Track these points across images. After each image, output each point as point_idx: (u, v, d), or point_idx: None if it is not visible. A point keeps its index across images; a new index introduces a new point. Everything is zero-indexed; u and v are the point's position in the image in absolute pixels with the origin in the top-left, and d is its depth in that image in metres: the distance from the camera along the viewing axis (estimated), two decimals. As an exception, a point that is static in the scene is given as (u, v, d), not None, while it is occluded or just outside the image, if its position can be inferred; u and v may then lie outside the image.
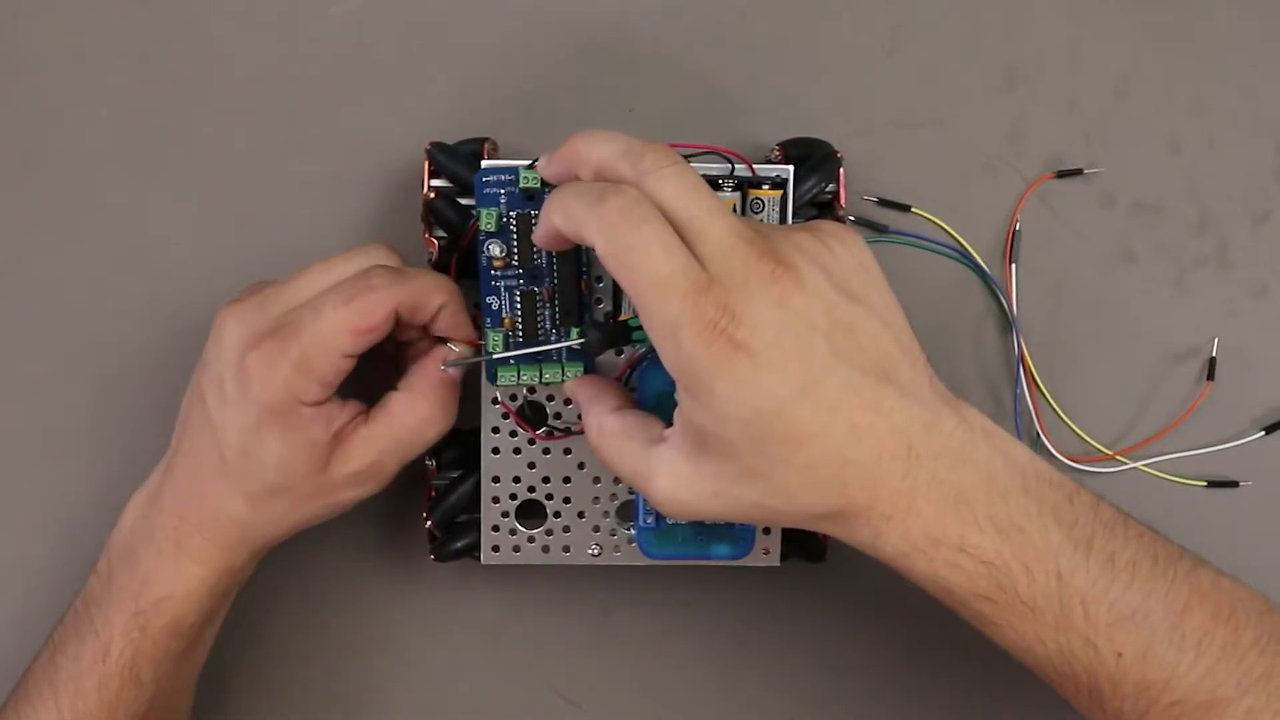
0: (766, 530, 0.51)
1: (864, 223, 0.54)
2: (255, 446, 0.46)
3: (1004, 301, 0.55)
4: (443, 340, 0.49)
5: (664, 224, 0.40)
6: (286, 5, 0.55)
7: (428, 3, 0.55)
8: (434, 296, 0.47)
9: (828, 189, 0.51)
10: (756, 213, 0.49)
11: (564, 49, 0.55)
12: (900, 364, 0.42)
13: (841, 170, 0.51)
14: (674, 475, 0.42)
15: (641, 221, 0.40)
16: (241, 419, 0.46)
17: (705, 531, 0.50)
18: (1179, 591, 0.42)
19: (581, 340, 0.46)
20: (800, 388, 0.40)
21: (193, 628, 0.48)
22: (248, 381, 0.45)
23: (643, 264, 0.40)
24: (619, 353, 0.50)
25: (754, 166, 0.49)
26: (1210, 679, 0.41)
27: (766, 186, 0.49)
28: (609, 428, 0.45)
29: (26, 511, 0.55)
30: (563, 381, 0.48)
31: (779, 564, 0.51)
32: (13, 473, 0.55)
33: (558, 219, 0.42)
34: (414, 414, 0.48)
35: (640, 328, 0.42)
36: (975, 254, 0.55)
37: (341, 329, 0.45)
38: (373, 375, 0.49)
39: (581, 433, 0.50)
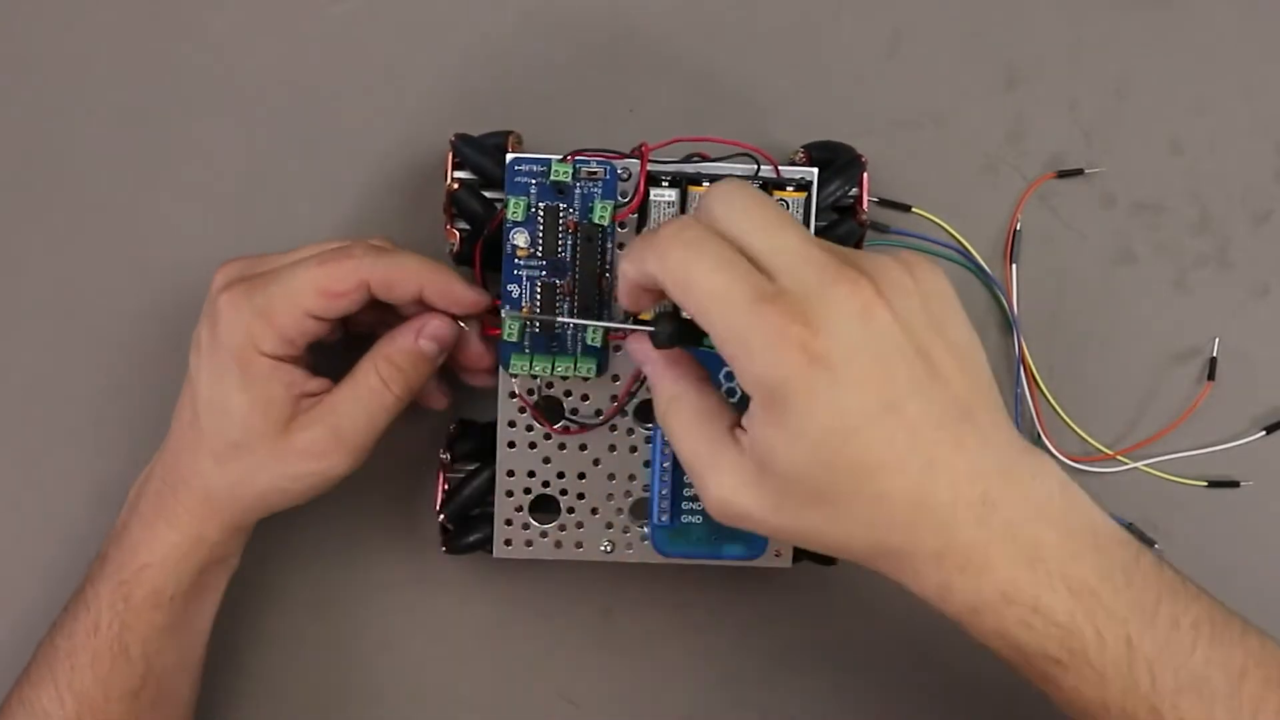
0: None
1: (865, 223, 0.54)
2: (219, 396, 0.46)
3: (1004, 301, 0.55)
4: (444, 315, 0.48)
5: (719, 241, 0.39)
6: (286, 5, 0.55)
7: (428, 2, 0.55)
8: (412, 275, 0.47)
9: (850, 193, 0.51)
10: None
11: (566, 48, 0.55)
12: (981, 404, 0.40)
13: (865, 175, 0.51)
14: (738, 478, 0.40)
15: (693, 241, 0.39)
16: (209, 366, 0.47)
17: (719, 531, 0.50)
18: (1235, 657, 0.40)
19: (652, 330, 0.43)
20: (879, 410, 0.38)
21: (173, 600, 0.48)
22: (216, 324, 0.46)
23: (698, 279, 0.39)
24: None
25: (779, 168, 0.49)
26: None
27: (791, 188, 0.49)
28: (690, 399, 0.42)
29: (26, 510, 0.55)
30: (576, 375, 0.49)
31: (790, 566, 0.52)
32: (12, 471, 0.55)
33: (629, 268, 0.41)
34: (375, 374, 0.47)
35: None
36: (975, 254, 0.55)
37: (309, 287, 0.46)
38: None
39: (598, 428, 0.50)
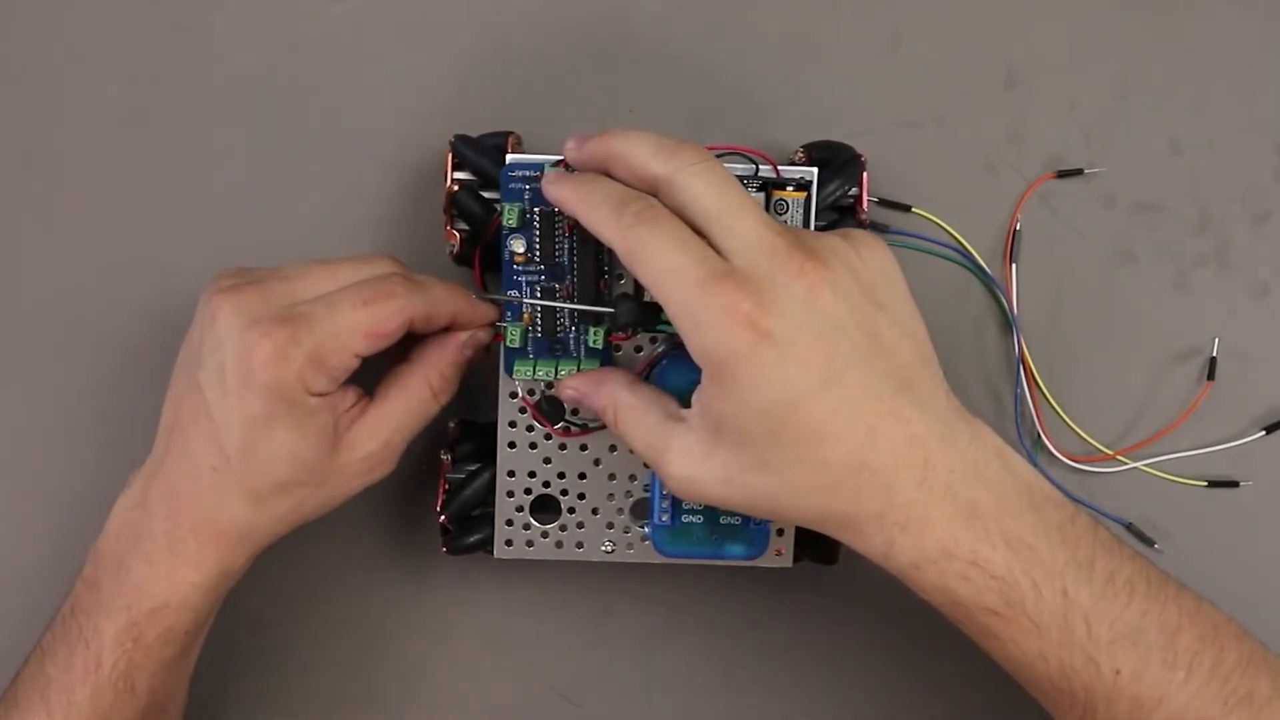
0: (780, 531, 0.51)
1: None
2: (262, 439, 0.45)
3: (1004, 301, 0.55)
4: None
5: (678, 223, 0.42)
6: (286, 5, 0.55)
7: (428, 2, 0.55)
8: (447, 307, 0.47)
9: (850, 192, 0.51)
10: (781, 214, 0.49)
11: (566, 48, 0.55)
12: (920, 375, 0.42)
13: (864, 175, 0.51)
14: (688, 455, 0.42)
15: (654, 220, 0.41)
16: (246, 411, 0.44)
17: (720, 530, 0.50)
18: (1171, 613, 0.43)
19: (612, 310, 0.47)
20: (821, 383, 0.40)
21: (188, 634, 0.48)
22: (253, 370, 0.44)
23: (653, 256, 0.41)
24: (638, 349, 0.50)
25: (779, 168, 0.49)
26: (1199, 699, 0.42)
27: (791, 188, 0.49)
28: (625, 400, 0.45)
29: (22, 511, 0.55)
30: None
31: (790, 565, 0.52)
32: (10, 471, 0.55)
33: (580, 209, 0.44)
34: (428, 386, 0.48)
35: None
36: (975, 254, 0.55)
37: (357, 330, 0.45)
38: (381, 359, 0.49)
39: (599, 428, 0.50)
